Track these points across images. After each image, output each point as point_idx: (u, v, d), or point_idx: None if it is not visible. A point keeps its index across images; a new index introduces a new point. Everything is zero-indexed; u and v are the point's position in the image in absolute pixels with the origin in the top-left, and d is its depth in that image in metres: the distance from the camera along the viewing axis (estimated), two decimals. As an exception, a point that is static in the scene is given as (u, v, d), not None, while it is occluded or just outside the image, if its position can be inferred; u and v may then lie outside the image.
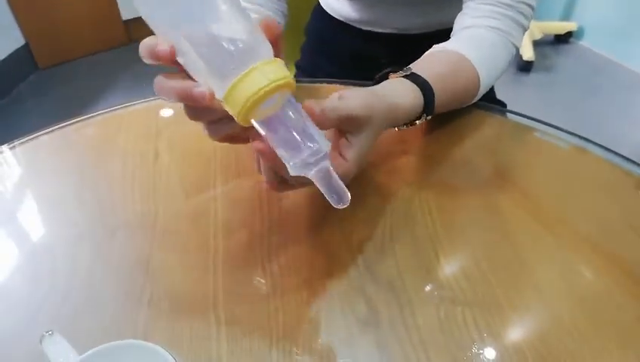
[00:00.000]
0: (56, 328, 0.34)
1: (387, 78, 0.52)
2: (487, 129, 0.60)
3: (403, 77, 0.51)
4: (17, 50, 2.23)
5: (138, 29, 2.43)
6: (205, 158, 0.55)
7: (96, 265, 0.45)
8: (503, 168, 0.55)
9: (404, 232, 0.47)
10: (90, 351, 0.30)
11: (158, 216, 0.49)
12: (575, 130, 0.59)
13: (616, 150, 0.56)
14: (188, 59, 0.35)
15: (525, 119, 0.61)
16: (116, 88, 2.15)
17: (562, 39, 2.53)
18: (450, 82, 0.53)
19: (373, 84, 0.51)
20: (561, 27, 2.52)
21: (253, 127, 0.37)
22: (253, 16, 0.66)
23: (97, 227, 0.48)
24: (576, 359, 0.37)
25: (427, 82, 0.50)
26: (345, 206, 0.37)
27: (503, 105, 0.83)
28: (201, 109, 0.39)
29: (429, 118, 0.52)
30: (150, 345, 0.30)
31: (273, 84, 0.34)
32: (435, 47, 0.58)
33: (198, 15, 0.35)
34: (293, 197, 0.50)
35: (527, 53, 2.25)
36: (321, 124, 0.40)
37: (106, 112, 0.63)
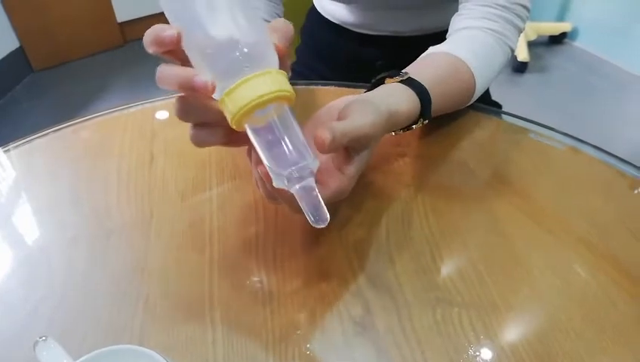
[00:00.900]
0: (51, 333, 0.33)
1: (383, 83, 0.52)
2: (482, 130, 0.60)
3: (399, 82, 0.51)
4: (12, 53, 2.22)
5: (133, 30, 2.43)
6: (201, 161, 0.55)
7: (92, 268, 0.45)
8: (498, 169, 0.55)
9: (400, 234, 0.47)
10: (84, 357, 0.30)
11: (153, 219, 0.49)
12: (569, 130, 0.59)
13: (611, 150, 0.56)
14: (193, 53, 0.35)
15: (520, 120, 0.61)
16: (111, 90, 2.14)
17: (557, 40, 2.54)
18: (446, 85, 0.53)
19: (368, 89, 0.51)
20: (556, 28, 2.53)
21: (246, 141, 0.36)
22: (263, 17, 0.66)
23: (93, 230, 0.48)
24: (574, 359, 0.37)
25: (424, 87, 0.50)
26: (323, 226, 0.37)
27: (499, 106, 0.83)
28: (193, 107, 0.39)
29: (426, 122, 0.52)
30: (146, 350, 0.30)
31: (274, 95, 0.34)
32: (431, 49, 0.58)
33: (209, 13, 0.35)
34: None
35: (522, 54, 2.26)
36: (332, 151, 0.40)
37: (101, 115, 0.63)
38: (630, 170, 0.54)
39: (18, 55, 2.25)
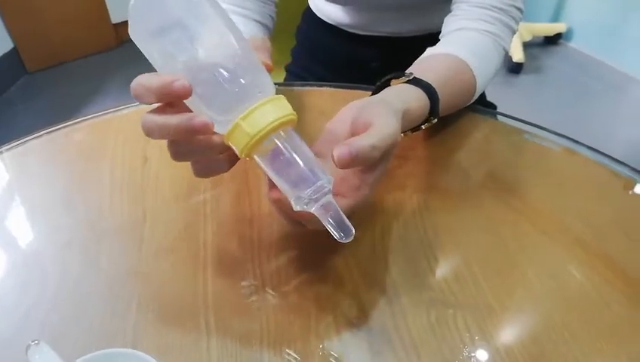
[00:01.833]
0: (43, 336, 0.33)
1: (388, 85, 0.52)
2: (477, 131, 0.60)
3: (406, 82, 0.50)
4: (6, 55, 2.21)
5: (128, 32, 2.41)
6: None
7: (85, 271, 0.44)
8: (493, 170, 0.55)
9: (395, 236, 0.47)
10: (77, 360, 0.30)
11: (146, 221, 0.49)
12: (564, 131, 0.59)
13: (606, 151, 0.56)
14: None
15: (515, 121, 0.61)
16: (106, 92, 2.14)
17: (552, 40, 2.55)
18: (450, 86, 0.53)
19: (374, 92, 0.51)
20: (551, 28, 2.54)
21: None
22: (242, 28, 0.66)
23: (86, 233, 0.48)
24: (568, 360, 0.37)
25: (431, 85, 0.50)
26: (349, 240, 0.36)
27: (494, 107, 0.83)
28: (189, 148, 0.38)
29: (435, 121, 0.51)
30: (140, 353, 0.30)
31: (278, 121, 0.35)
32: (430, 51, 0.58)
33: (202, 45, 0.36)
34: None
35: (517, 55, 2.26)
36: (356, 165, 0.38)
37: (94, 117, 0.63)
38: (625, 170, 0.54)
39: (12, 56, 2.24)
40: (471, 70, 0.56)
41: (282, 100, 0.36)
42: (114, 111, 0.63)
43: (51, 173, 0.56)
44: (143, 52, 0.36)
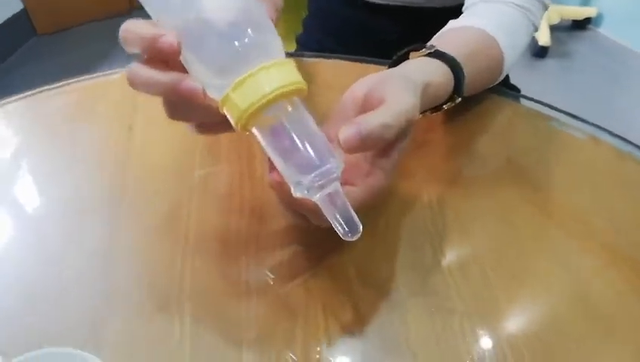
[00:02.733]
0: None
1: (407, 58, 0.46)
2: (498, 115, 0.55)
3: (427, 55, 0.44)
4: (15, 15, 2.16)
5: (141, -3, 2.36)
6: (184, 138, 0.50)
7: (62, 248, 0.40)
8: (514, 158, 0.49)
9: (401, 227, 0.42)
10: (19, 357, 0.26)
11: (126, 196, 0.44)
12: (589, 118, 0.53)
13: (632, 140, 0.50)
14: (183, 48, 0.30)
15: (540, 105, 0.55)
16: (115, 57, 2.09)
17: (580, 25, 2.43)
18: (476, 61, 0.47)
19: (390, 65, 0.45)
20: (580, 12, 2.42)
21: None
22: None
23: (62, 207, 0.44)
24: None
25: (455, 59, 0.44)
26: (355, 238, 0.31)
27: (517, 90, 0.77)
28: (186, 108, 0.33)
29: (459, 101, 0.45)
30: (86, 354, 0.25)
31: (281, 90, 0.29)
32: (453, 23, 0.52)
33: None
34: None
35: (543, 38, 2.16)
36: (367, 150, 0.33)
37: (82, 80, 0.58)
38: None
39: (22, 17, 2.20)
40: (498, 46, 0.50)
41: (288, 65, 0.30)
42: (103, 75, 0.58)
43: (29, 140, 0.51)
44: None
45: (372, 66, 0.59)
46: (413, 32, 0.54)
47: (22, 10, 2.19)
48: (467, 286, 0.38)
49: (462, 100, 0.45)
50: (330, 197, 0.31)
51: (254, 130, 0.31)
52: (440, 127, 0.52)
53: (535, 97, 0.56)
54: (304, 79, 0.31)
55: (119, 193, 0.44)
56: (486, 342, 0.34)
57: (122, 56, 0.32)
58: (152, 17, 0.32)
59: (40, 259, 0.39)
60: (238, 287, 0.37)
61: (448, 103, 0.45)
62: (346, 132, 0.31)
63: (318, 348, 0.34)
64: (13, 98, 0.55)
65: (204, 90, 0.30)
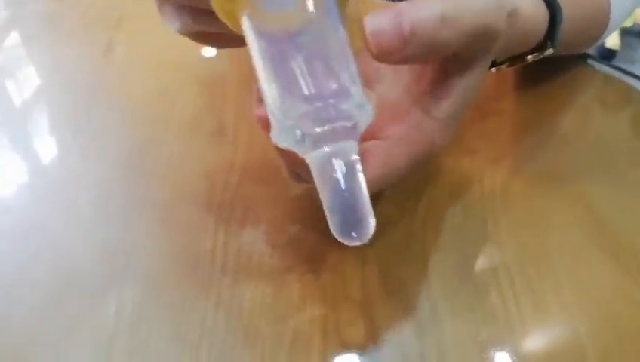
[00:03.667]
0: None
1: None
2: (591, 88, 0.41)
3: None
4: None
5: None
6: (171, 65, 0.38)
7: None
8: (604, 150, 0.35)
9: (445, 220, 0.29)
10: None
11: (91, 122, 0.33)
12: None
13: None
14: None
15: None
16: None
17: (654, 32, 2.21)
18: (577, 6, 0.34)
19: None
20: (656, 18, 2.19)
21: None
22: None
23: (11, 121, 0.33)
24: None
25: None
26: (358, 243, 0.19)
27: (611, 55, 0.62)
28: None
29: (550, 52, 0.31)
30: None
31: None
32: None
33: None
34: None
35: (612, 40, 1.96)
36: (411, 54, 0.19)
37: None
38: None
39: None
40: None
41: None
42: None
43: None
44: None
45: None
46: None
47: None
48: (533, 313, 0.25)
49: (544, 64, 0.32)
50: (333, 163, 0.18)
51: (245, 26, 0.19)
52: (511, 94, 0.39)
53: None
54: None
55: (85, 117, 0.33)
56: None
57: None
58: None
59: None
60: (209, 268, 0.26)
61: (535, 53, 0.31)
62: (378, 20, 0.19)
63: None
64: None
65: None
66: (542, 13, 0.30)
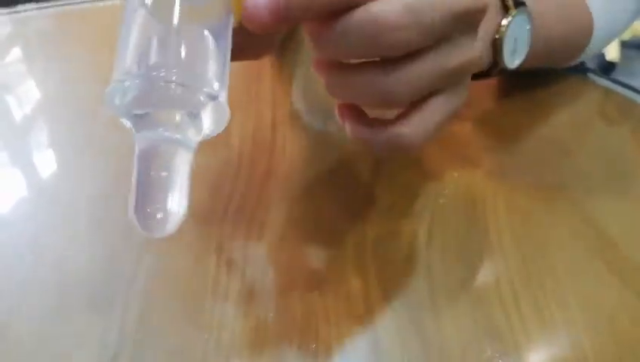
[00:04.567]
0: None
1: None
2: (593, 104, 0.41)
3: None
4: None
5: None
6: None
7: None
8: (609, 161, 0.35)
9: (450, 236, 0.29)
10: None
11: (91, 138, 0.33)
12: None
13: None
14: None
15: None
16: None
17: (653, 45, 2.22)
18: (550, 17, 0.34)
19: None
20: (655, 31, 2.21)
21: None
22: None
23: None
24: None
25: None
26: (149, 235, 0.19)
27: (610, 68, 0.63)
28: None
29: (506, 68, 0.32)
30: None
31: None
32: None
33: None
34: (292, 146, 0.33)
35: (612, 53, 1.97)
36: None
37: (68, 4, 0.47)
38: None
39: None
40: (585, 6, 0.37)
41: None
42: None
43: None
44: None
45: None
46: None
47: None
48: (536, 327, 0.24)
49: (546, 77, 0.32)
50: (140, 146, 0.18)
51: None
52: (511, 104, 0.39)
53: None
54: None
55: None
56: None
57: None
58: None
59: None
60: (201, 260, 0.25)
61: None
62: None
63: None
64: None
65: None
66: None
